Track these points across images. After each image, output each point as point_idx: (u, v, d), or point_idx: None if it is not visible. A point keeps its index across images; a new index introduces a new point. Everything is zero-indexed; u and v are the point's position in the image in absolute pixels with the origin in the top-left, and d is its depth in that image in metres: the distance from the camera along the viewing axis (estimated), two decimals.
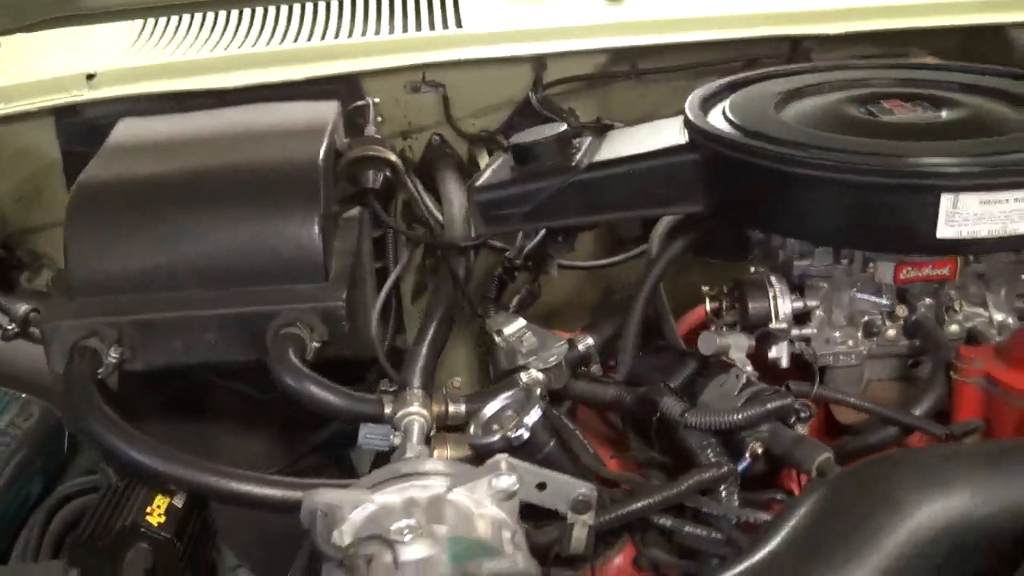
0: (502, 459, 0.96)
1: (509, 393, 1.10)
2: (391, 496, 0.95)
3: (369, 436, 1.10)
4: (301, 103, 1.59)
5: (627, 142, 1.36)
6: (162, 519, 1.12)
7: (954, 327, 1.26)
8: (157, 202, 1.32)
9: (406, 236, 1.55)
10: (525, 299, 1.69)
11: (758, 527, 1.05)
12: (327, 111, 1.54)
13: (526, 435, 1.04)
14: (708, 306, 1.33)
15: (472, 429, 1.09)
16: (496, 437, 1.05)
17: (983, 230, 1.09)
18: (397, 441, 1.09)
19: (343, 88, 1.66)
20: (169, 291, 1.28)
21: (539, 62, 1.70)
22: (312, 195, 1.32)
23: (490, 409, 1.10)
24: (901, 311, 1.24)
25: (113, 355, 1.25)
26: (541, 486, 0.97)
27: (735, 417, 1.10)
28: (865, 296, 1.27)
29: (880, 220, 1.11)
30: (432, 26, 1.74)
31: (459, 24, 1.75)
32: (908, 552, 0.74)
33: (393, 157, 1.48)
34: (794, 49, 1.77)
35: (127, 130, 1.52)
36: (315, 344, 1.26)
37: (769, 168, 1.16)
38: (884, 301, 1.26)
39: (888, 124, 1.22)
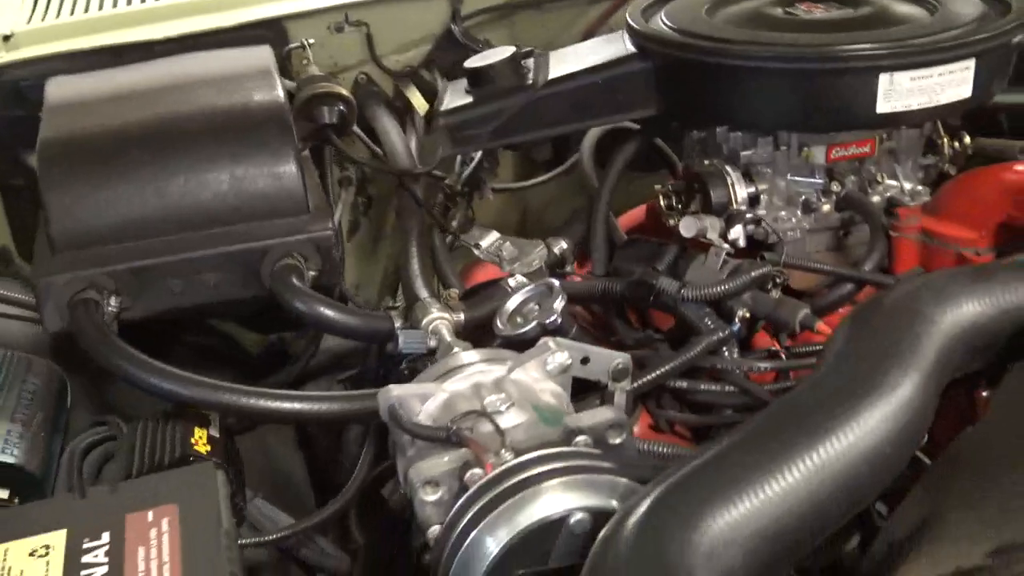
0: (549, 340, 1.07)
1: (528, 288, 1.20)
2: (458, 384, 1.04)
3: (409, 341, 1.17)
4: (234, 50, 1.61)
5: (574, 59, 1.46)
6: (208, 447, 1.16)
7: (876, 198, 1.44)
8: (131, 151, 1.33)
9: (371, 168, 1.60)
10: (463, 223, 1.78)
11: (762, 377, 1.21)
12: (264, 56, 1.57)
13: (559, 320, 1.14)
14: (662, 202, 1.46)
15: (498, 323, 1.18)
16: (531, 326, 1.15)
17: (914, 103, 1.26)
18: (432, 344, 1.17)
19: (268, 33, 1.68)
20: (155, 237, 1.30)
21: None
22: (286, 131, 1.36)
23: (512, 304, 1.19)
24: (835, 187, 1.41)
25: (113, 304, 1.27)
26: (585, 360, 1.07)
27: (725, 287, 1.24)
28: (801, 178, 1.42)
29: (827, 102, 1.27)
30: None
31: None
32: (939, 357, 0.89)
33: (347, 93, 1.53)
34: None
35: (65, 88, 1.50)
36: (312, 273, 1.32)
37: (726, 65, 1.30)
38: (818, 180, 1.42)
39: (812, 21, 1.38)
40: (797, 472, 0.72)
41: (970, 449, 0.87)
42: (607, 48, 1.46)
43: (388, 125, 1.71)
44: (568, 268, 1.45)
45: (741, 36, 1.33)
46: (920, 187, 1.46)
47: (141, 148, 1.33)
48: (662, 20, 1.43)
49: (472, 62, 1.47)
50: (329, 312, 1.28)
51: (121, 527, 0.75)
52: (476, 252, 1.45)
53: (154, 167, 1.31)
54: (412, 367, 1.31)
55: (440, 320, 1.21)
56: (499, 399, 0.96)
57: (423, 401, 1.02)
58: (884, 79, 1.24)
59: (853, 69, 1.24)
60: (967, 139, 1.46)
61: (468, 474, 0.88)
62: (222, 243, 1.30)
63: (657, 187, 1.48)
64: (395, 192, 1.66)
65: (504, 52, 1.47)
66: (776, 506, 0.70)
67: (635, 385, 1.12)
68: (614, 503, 0.84)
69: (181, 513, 0.77)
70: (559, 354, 1.05)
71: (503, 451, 0.89)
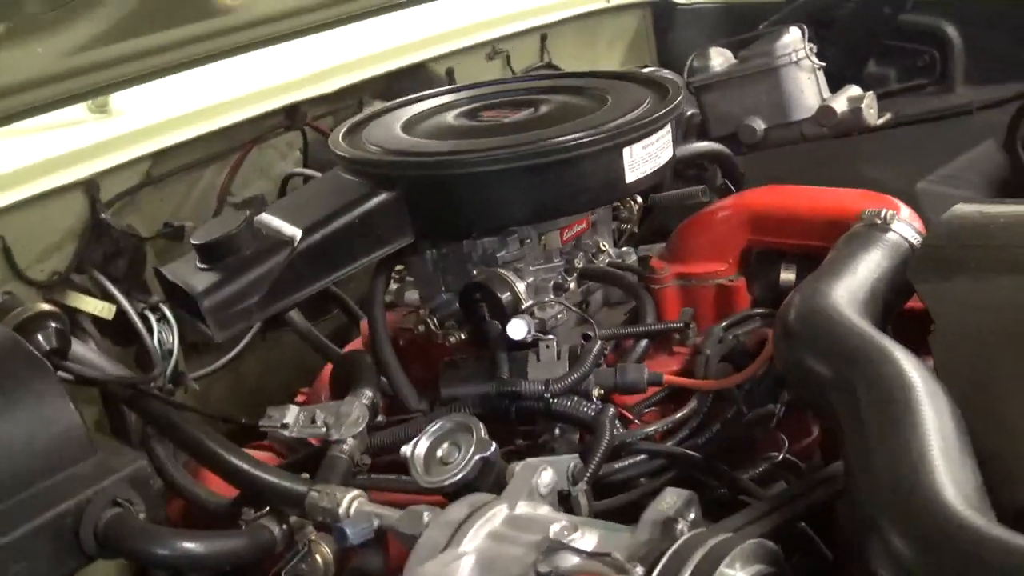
0: (530, 462, 1.02)
1: (433, 429, 1.11)
2: (473, 542, 0.94)
3: (358, 529, 1.02)
4: None
5: (308, 207, 1.39)
6: None
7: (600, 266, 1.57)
8: None
9: (107, 383, 1.34)
10: None
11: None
12: None
13: (495, 445, 1.08)
14: (431, 326, 1.45)
15: (420, 474, 1.08)
16: (472, 463, 1.06)
17: (648, 168, 1.42)
18: (376, 523, 1.03)
19: None
20: None
21: (93, 183, 1.57)
22: (43, 370, 1.12)
23: (420, 450, 1.10)
24: (577, 263, 1.51)
25: None
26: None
27: (581, 372, 1.27)
28: (545, 265, 1.51)
29: (585, 184, 1.37)
30: None
31: None
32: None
33: (53, 308, 1.28)
34: (290, 116, 1.90)
35: None
36: (141, 515, 1.10)
37: (487, 172, 1.34)
38: (558, 263, 1.51)
39: (521, 122, 1.48)
40: None
41: None
42: (334, 188, 1.42)
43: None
44: (380, 418, 1.36)
45: (484, 145, 1.38)
46: (624, 248, 1.63)
47: None
48: (375, 148, 1.43)
49: (203, 237, 1.32)
50: (202, 546, 1.07)
51: None
52: (285, 433, 1.30)
53: None
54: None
55: (359, 498, 1.07)
56: (562, 527, 0.89)
57: (458, 570, 0.91)
58: (627, 152, 1.38)
59: (606, 148, 1.36)
60: (640, 199, 1.67)
61: None
62: (22, 520, 1.02)
63: (414, 319, 1.47)
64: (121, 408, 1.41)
65: (234, 218, 1.34)
66: None
67: (586, 480, 1.10)
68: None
69: None
70: (546, 473, 1.00)
71: (631, 567, 0.83)
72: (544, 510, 0.99)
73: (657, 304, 1.49)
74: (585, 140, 1.34)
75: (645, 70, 2.02)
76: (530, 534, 0.93)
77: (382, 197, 1.37)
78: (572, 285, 1.51)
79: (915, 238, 1.25)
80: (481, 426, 1.11)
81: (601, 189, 1.39)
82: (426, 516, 1.00)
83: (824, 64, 1.95)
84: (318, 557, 1.17)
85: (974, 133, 2.25)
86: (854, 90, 1.93)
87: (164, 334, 1.57)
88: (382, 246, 1.38)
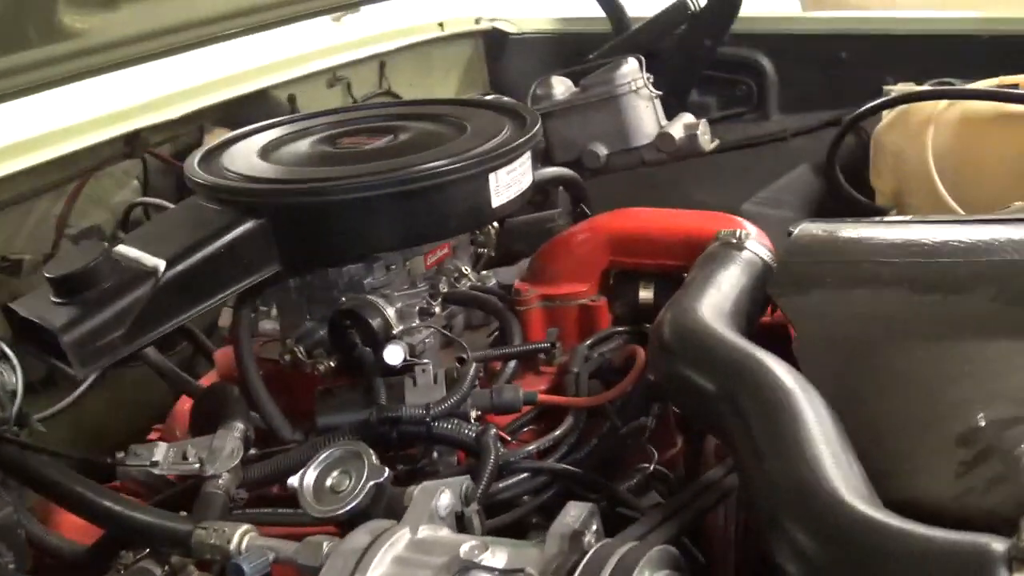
0: (427, 485, 1.02)
1: (322, 457, 1.10)
2: (380, 568, 0.94)
3: (254, 565, 0.99)
4: None
5: (165, 238, 1.34)
6: None
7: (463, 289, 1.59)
8: None
9: None
10: None
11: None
12: None
13: (387, 471, 1.08)
14: (300, 355, 1.43)
15: (311, 504, 1.06)
16: (365, 490, 1.06)
17: (512, 193, 1.45)
18: (272, 556, 1.01)
19: None
20: None
21: None
22: None
23: (308, 480, 1.08)
24: (442, 287, 1.53)
25: None
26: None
27: (461, 394, 1.28)
28: (411, 290, 1.51)
29: (455, 209, 1.39)
30: None
31: None
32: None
33: None
34: (129, 143, 1.83)
35: None
36: (11, 566, 1.04)
37: (354, 200, 1.33)
38: (422, 288, 1.53)
39: (383, 149, 1.48)
40: None
41: None
42: (195, 217, 1.38)
43: None
44: (252, 451, 1.33)
45: (352, 171, 1.37)
46: (483, 272, 1.66)
47: None
48: (235, 175, 1.41)
49: (57, 270, 1.26)
50: None
51: None
52: (156, 471, 1.25)
53: None
54: None
55: (250, 532, 1.05)
56: (472, 547, 0.90)
57: None
58: (493, 178, 1.41)
59: (472, 176, 1.38)
60: (496, 224, 1.70)
61: None
62: None
63: (277, 349, 1.45)
64: None
65: (90, 250, 1.29)
66: None
67: (478, 500, 1.12)
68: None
69: None
70: (444, 495, 1.01)
71: None
72: (444, 532, 1.00)
73: (522, 326, 1.53)
74: (454, 166, 1.36)
75: (488, 97, 2.06)
76: (436, 556, 0.93)
77: (248, 225, 1.34)
78: (437, 309, 1.53)
79: (767, 255, 1.33)
80: (372, 452, 1.11)
81: (468, 214, 1.41)
82: (326, 546, 0.99)
83: (661, 93, 2.05)
84: None
85: (789, 158, 2.43)
86: (688, 118, 2.03)
87: (5, 375, 1.47)
88: (249, 275, 1.35)
